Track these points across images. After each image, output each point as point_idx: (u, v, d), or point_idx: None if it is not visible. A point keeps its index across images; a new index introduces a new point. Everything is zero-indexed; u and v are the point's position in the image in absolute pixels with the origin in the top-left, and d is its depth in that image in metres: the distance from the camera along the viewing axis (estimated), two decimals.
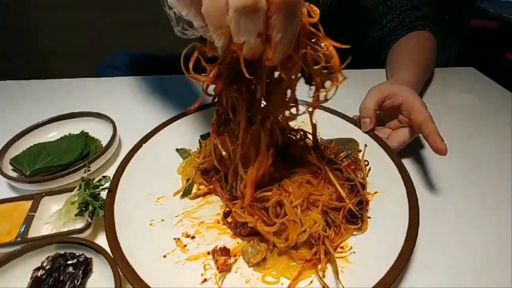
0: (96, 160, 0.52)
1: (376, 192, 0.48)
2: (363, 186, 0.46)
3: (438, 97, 0.75)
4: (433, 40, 0.78)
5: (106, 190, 0.45)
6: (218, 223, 0.45)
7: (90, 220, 0.42)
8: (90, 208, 0.43)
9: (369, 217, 0.44)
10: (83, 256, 0.39)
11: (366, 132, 0.56)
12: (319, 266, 0.38)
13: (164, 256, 0.40)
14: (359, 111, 0.59)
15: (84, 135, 0.59)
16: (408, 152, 0.57)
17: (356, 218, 0.42)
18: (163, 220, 0.45)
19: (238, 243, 0.42)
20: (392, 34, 0.81)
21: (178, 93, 0.74)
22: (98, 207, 0.43)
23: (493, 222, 0.47)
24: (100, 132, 0.60)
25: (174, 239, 0.42)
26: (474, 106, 0.74)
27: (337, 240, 0.41)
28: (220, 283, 0.37)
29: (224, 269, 0.38)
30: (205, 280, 0.38)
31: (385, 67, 0.79)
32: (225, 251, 0.39)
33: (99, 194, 0.45)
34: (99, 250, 0.38)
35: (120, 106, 0.71)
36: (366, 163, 0.51)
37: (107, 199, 0.44)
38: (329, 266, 0.39)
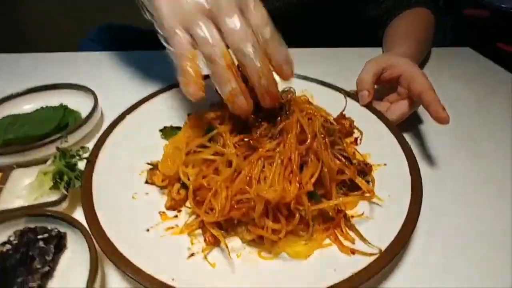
0: (75, 132, 0.48)
1: (379, 165, 0.45)
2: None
3: (436, 76, 0.73)
4: (430, 17, 0.75)
5: (85, 161, 0.41)
6: None
7: (65, 192, 0.38)
8: (65, 178, 0.39)
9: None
10: (56, 230, 0.35)
11: (364, 106, 0.54)
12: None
13: (148, 230, 0.37)
14: (356, 84, 0.56)
15: (63, 107, 0.54)
16: (407, 126, 0.55)
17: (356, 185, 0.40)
18: (147, 194, 0.41)
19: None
20: (389, 12, 0.78)
21: (164, 68, 0.69)
22: (75, 178, 0.39)
23: (493, 196, 0.46)
24: (80, 105, 0.55)
25: (159, 212, 0.39)
26: (472, 85, 0.72)
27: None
28: (208, 257, 0.34)
29: (212, 242, 0.35)
30: (192, 254, 0.34)
31: (382, 46, 0.76)
32: (216, 223, 0.36)
33: (75, 164, 0.41)
34: (74, 223, 0.34)
35: (103, 81, 0.66)
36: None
37: (85, 169, 0.40)
38: None
